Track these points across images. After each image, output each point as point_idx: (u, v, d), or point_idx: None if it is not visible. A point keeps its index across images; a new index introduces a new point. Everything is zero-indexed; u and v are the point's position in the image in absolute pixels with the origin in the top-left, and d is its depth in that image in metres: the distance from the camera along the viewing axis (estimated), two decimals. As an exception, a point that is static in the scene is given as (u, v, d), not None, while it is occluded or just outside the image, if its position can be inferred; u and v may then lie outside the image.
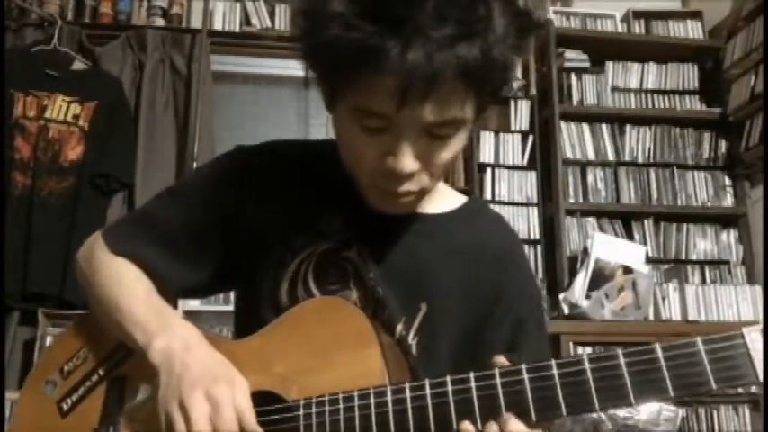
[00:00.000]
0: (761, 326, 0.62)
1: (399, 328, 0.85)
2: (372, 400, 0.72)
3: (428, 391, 0.70)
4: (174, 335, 0.79)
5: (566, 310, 2.87)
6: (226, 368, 0.76)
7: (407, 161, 0.73)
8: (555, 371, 0.66)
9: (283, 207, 0.88)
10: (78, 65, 2.86)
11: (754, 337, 0.61)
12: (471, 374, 0.69)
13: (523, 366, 0.68)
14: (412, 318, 0.85)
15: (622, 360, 0.64)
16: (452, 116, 0.72)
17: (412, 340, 0.85)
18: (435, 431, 0.69)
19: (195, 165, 2.85)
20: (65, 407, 0.89)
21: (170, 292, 0.89)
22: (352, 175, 0.82)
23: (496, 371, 0.69)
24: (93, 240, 0.93)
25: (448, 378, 0.70)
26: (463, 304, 0.87)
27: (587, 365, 0.65)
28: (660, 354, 0.63)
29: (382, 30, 0.66)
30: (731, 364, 0.61)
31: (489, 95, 0.75)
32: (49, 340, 2.50)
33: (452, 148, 0.76)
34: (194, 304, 2.76)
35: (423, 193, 0.80)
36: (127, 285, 0.86)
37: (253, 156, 0.92)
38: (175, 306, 0.92)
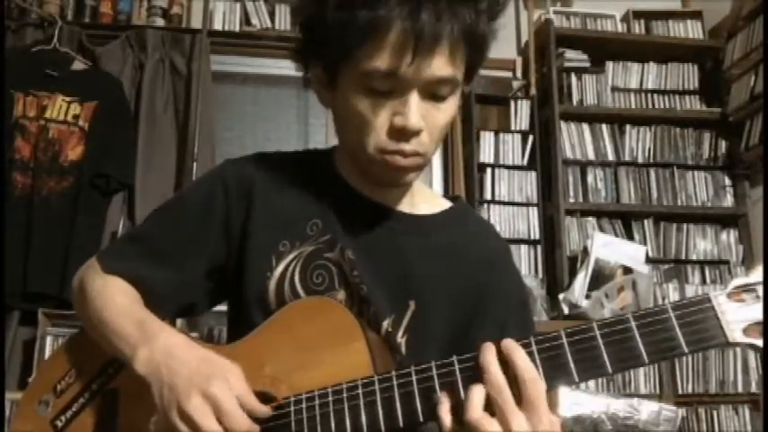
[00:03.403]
0: (727, 289, 0.65)
1: (386, 324, 0.86)
2: (360, 391, 0.73)
3: (414, 377, 0.72)
4: (156, 343, 0.79)
5: (566, 310, 2.87)
6: (213, 362, 0.76)
7: (415, 117, 0.78)
8: (534, 347, 0.68)
9: (269, 211, 0.90)
10: (78, 65, 2.86)
11: (720, 301, 0.65)
12: (455, 358, 0.71)
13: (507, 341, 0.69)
14: (401, 316, 0.86)
15: (598, 332, 0.67)
16: (453, 74, 0.78)
17: (401, 338, 0.86)
18: (422, 413, 0.71)
19: (195, 165, 2.85)
20: (59, 424, 0.90)
21: (161, 303, 0.89)
22: (356, 154, 0.84)
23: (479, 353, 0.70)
24: (88, 263, 0.95)
25: (433, 363, 0.72)
26: (450, 304, 0.88)
27: (564, 340, 0.68)
28: (633, 323, 0.66)
29: None
30: (701, 327, 0.65)
31: (477, 61, 0.83)
32: (49, 340, 2.50)
33: (449, 110, 0.82)
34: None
35: (423, 161, 0.84)
36: (111, 300, 0.86)
37: (236, 165, 0.95)
38: (167, 318, 0.91)
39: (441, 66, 0.77)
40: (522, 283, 1.00)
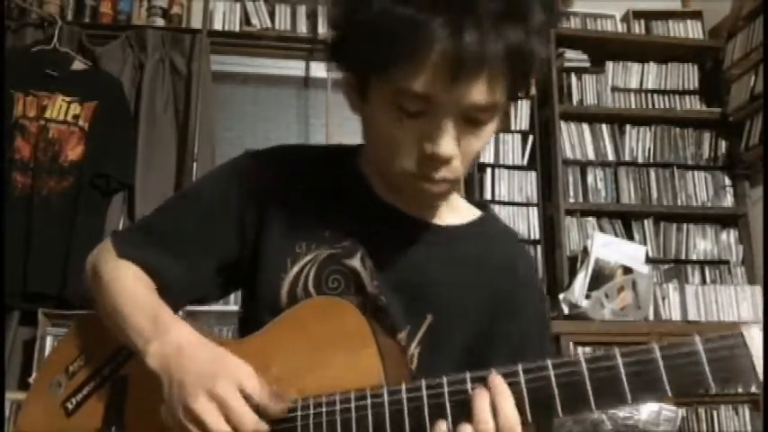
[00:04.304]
0: (760, 324, 0.61)
1: (401, 336, 0.84)
2: (369, 401, 0.71)
3: (424, 392, 0.70)
4: (168, 339, 0.78)
5: (566, 310, 2.87)
6: (223, 361, 0.75)
7: (448, 145, 0.73)
8: (551, 371, 0.66)
9: (287, 210, 0.88)
10: (78, 65, 2.86)
11: (753, 334, 0.61)
12: (467, 374, 0.69)
13: (520, 367, 0.67)
14: (416, 328, 0.85)
15: (620, 360, 0.64)
16: (494, 100, 0.72)
17: (414, 349, 0.84)
18: (431, 429, 0.69)
19: (195, 165, 2.86)
20: (69, 406, 0.90)
21: (172, 296, 0.88)
22: (383, 169, 0.81)
23: (492, 371, 0.68)
24: (102, 245, 0.94)
25: (444, 379, 0.69)
26: (468, 318, 0.86)
27: (584, 366, 0.65)
28: (658, 354, 0.63)
29: (432, 4, 0.66)
30: (730, 365, 0.61)
31: (522, 84, 0.76)
32: (49, 340, 2.50)
33: (485, 136, 0.77)
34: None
35: (454, 184, 0.80)
36: (125, 288, 0.86)
37: (258, 158, 0.92)
38: (177, 310, 0.91)
39: (481, 92, 0.70)
40: (540, 298, 0.97)
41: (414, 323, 0.85)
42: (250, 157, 0.92)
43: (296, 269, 0.85)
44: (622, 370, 0.63)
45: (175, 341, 0.78)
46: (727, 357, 0.61)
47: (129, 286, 0.86)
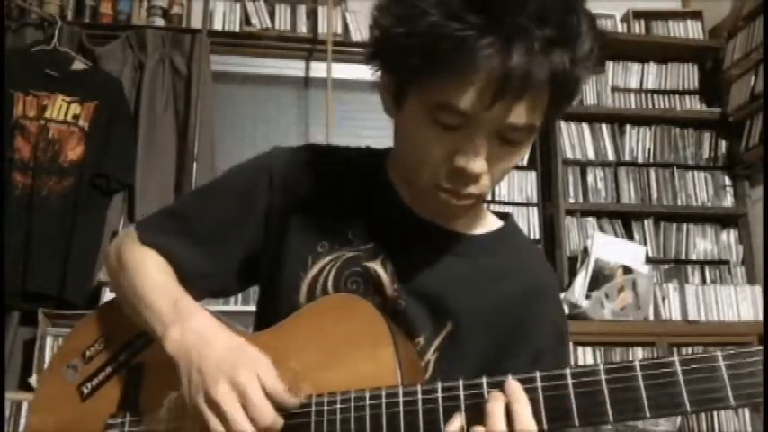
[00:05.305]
0: None
1: (418, 341, 0.84)
2: (383, 401, 0.71)
3: (440, 394, 0.69)
4: (188, 325, 0.78)
5: (566, 310, 2.87)
6: (243, 350, 0.76)
7: (479, 162, 0.73)
8: (569, 380, 0.65)
9: (312, 209, 0.88)
10: (78, 65, 2.86)
11: None
12: (484, 379, 0.68)
13: (537, 374, 0.66)
14: (435, 334, 0.85)
15: (639, 372, 0.63)
16: (532, 122, 0.72)
17: (431, 355, 0.84)
18: None
19: (195, 165, 2.85)
20: (85, 391, 0.91)
21: (193, 285, 0.88)
22: (409, 176, 0.82)
23: (509, 376, 0.67)
24: (126, 231, 0.94)
25: (461, 382, 0.69)
26: (487, 330, 0.85)
27: (603, 376, 0.64)
28: (678, 367, 0.61)
29: (485, 23, 0.65)
30: (754, 381, 0.59)
31: (560, 110, 0.76)
32: (49, 340, 2.50)
33: (518, 155, 0.77)
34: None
35: (479, 199, 0.80)
36: (147, 274, 0.86)
37: (288, 155, 0.92)
38: (198, 300, 0.91)
39: (520, 114, 0.71)
40: (561, 315, 0.96)
41: (432, 330, 0.84)
42: (280, 154, 0.92)
43: (316, 268, 0.86)
44: (641, 382, 0.62)
45: (196, 327, 0.78)
46: (751, 374, 0.59)
47: (151, 272, 0.86)
